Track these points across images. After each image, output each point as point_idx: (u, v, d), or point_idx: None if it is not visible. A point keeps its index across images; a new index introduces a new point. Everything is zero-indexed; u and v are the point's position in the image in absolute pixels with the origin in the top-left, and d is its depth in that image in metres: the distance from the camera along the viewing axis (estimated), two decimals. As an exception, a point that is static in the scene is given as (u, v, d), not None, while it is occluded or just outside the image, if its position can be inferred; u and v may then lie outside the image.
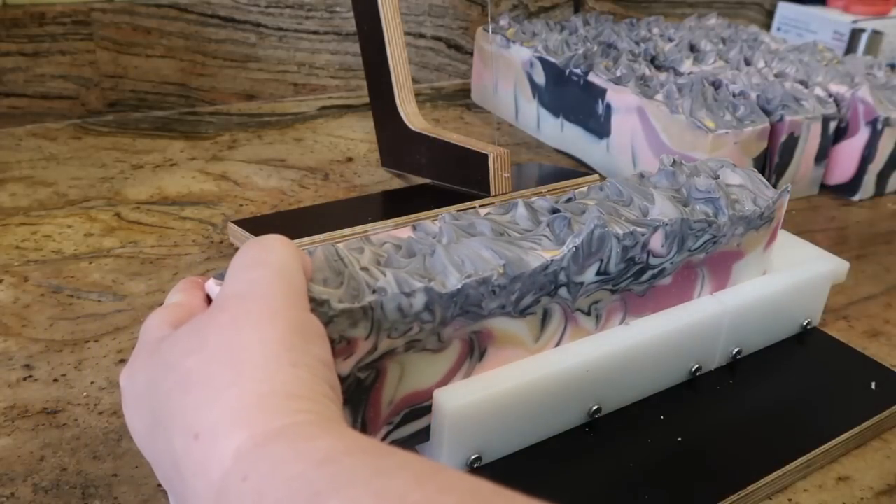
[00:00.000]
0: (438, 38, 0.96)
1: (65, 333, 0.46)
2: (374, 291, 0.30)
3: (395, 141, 0.67)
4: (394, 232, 0.36)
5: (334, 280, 0.30)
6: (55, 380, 0.42)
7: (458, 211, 0.38)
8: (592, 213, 0.36)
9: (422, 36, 0.95)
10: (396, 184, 0.68)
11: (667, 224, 0.37)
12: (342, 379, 0.30)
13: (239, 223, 0.56)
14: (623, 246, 0.36)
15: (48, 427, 0.39)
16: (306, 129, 0.81)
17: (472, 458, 0.35)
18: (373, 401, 0.32)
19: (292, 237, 0.29)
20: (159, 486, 0.36)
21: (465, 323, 0.33)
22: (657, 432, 0.39)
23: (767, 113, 0.66)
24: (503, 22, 0.86)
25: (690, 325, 0.40)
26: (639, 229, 0.37)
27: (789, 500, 0.37)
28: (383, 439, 0.33)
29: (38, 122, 0.76)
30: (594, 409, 0.38)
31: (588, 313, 0.37)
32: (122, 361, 0.44)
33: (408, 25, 0.94)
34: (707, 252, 0.40)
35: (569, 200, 0.39)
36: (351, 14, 0.89)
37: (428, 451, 0.36)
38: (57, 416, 0.40)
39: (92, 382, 0.42)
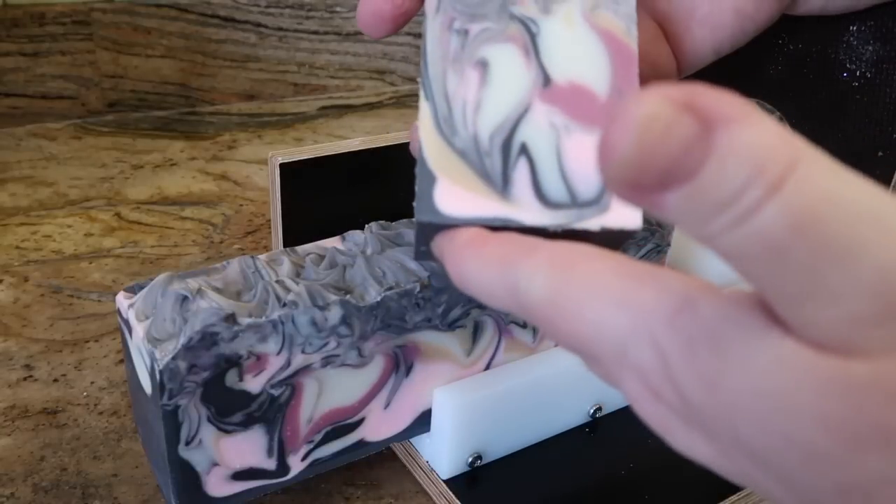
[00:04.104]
0: (438, 38, 0.96)
1: (65, 333, 0.46)
2: (284, 305, 0.29)
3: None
4: (321, 242, 0.34)
5: (247, 293, 0.29)
6: (55, 380, 0.42)
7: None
8: None
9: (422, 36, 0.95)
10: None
11: None
12: (254, 396, 0.29)
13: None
14: None
15: (48, 427, 0.39)
16: (306, 129, 0.81)
17: (473, 457, 0.35)
18: (289, 418, 0.31)
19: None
20: (159, 486, 0.35)
21: (388, 337, 0.31)
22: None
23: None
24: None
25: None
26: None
27: (790, 499, 0.37)
28: (304, 459, 0.32)
29: (38, 122, 0.76)
30: (594, 409, 0.38)
31: (524, 326, 0.36)
32: (122, 362, 0.44)
33: (408, 25, 0.93)
34: (654, 260, 0.40)
35: None
36: (351, 14, 0.89)
37: (428, 450, 0.36)
38: (57, 416, 0.40)
39: (92, 382, 0.42)
